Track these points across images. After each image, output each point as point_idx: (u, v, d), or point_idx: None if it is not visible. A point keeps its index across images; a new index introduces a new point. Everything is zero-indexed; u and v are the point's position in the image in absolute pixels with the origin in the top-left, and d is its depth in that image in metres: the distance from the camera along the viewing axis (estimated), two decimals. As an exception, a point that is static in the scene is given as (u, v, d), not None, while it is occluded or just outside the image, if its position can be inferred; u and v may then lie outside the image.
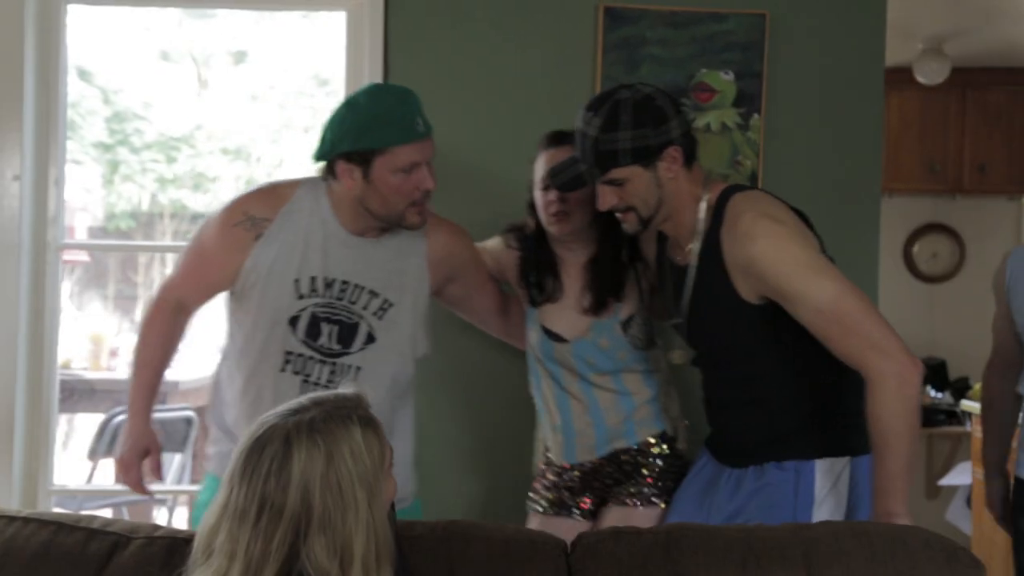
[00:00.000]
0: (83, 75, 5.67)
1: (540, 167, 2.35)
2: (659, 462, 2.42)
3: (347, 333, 2.21)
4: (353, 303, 2.21)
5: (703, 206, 2.11)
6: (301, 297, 2.20)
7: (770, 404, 2.16)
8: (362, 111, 2.15)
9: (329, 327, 2.20)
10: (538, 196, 2.36)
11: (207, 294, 2.31)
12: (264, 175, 6.30)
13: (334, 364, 2.21)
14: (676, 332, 2.29)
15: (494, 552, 1.89)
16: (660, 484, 2.41)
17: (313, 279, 2.20)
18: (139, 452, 2.24)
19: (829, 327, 1.99)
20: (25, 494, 2.88)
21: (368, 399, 1.57)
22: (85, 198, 6.47)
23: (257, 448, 1.47)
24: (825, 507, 2.12)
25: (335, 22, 2.99)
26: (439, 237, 2.32)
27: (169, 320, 2.27)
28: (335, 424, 1.49)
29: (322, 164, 2.23)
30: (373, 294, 2.23)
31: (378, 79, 2.82)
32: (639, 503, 2.40)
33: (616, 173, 2.08)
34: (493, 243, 2.53)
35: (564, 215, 2.31)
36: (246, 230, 2.20)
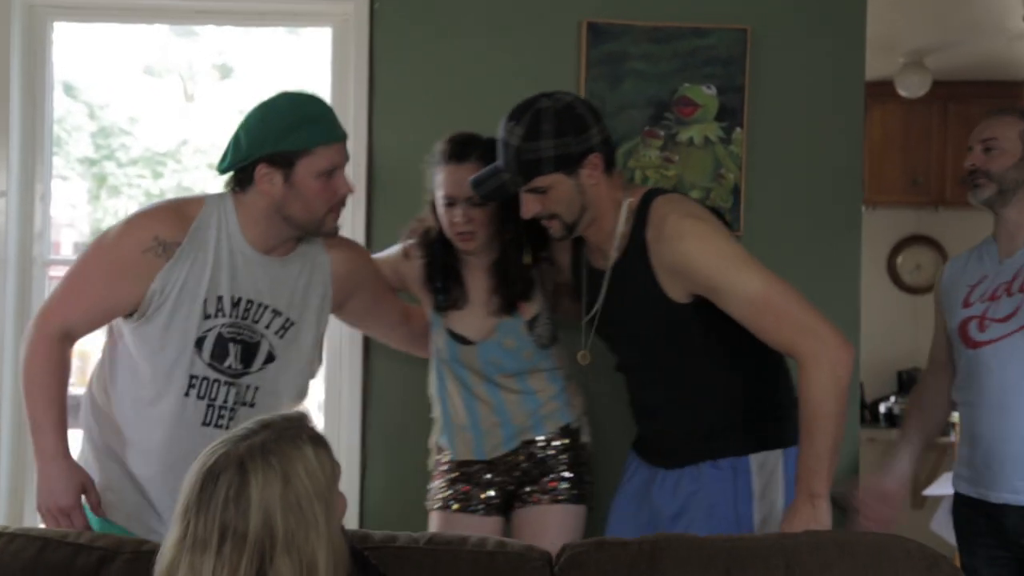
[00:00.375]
0: (69, 91, 5.67)
1: (441, 181, 2.33)
2: (566, 455, 2.45)
3: (249, 352, 2.18)
4: (256, 322, 2.18)
5: (624, 210, 2.15)
6: (208, 317, 2.13)
7: (701, 403, 2.20)
8: (284, 113, 2.12)
9: (235, 347, 2.16)
10: (442, 212, 2.35)
11: (101, 321, 2.17)
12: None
13: (236, 385, 2.18)
14: (597, 337, 2.28)
15: (479, 564, 1.90)
16: (574, 479, 2.44)
17: (220, 298, 2.14)
18: (78, 493, 2.10)
19: (761, 316, 2.03)
20: (11, 510, 2.88)
21: (311, 418, 1.58)
22: (71, 213, 6.45)
23: (211, 478, 1.47)
24: (765, 500, 2.17)
25: (321, 38, 3.00)
26: (341, 253, 2.31)
27: (58, 350, 2.11)
28: (287, 445, 1.49)
29: (229, 176, 2.17)
30: (276, 313, 2.20)
31: (363, 94, 2.84)
32: (554, 500, 2.43)
33: (539, 181, 2.10)
34: (389, 253, 2.53)
35: (470, 234, 2.33)
36: (157, 256, 2.10)
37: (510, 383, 2.44)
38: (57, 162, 5.06)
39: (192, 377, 2.13)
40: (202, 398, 2.15)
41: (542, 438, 2.46)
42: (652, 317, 2.15)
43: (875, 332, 2.14)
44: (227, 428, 2.14)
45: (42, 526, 2.10)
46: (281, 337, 2.21)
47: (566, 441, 2.46)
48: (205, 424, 2.15)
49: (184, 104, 6.12)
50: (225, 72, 6.21)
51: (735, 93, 2.88)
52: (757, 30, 2.88)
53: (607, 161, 2.13)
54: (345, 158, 2.16)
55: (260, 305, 2.18)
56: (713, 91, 2.88)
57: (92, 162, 6.31)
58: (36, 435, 2.12)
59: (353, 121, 2.84)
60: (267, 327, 2.19)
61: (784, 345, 2.05)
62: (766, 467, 2.18)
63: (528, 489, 2.45)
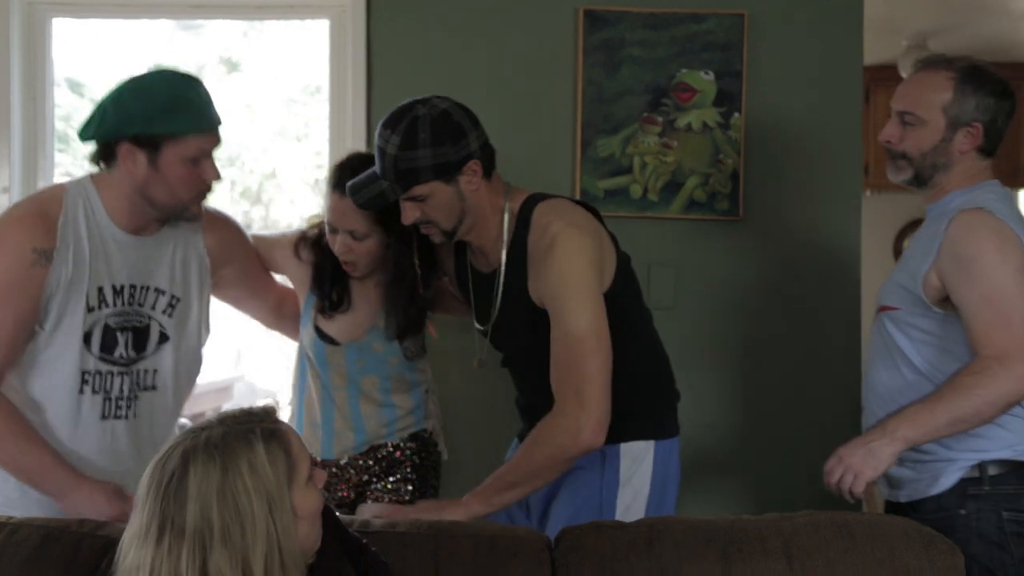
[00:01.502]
0: (75, 88, 5.69)
1: (327, 207, 2.28)
2: (416, 459, 2.44)
3: (140, 337, 2.14)
4: (142, 305, 2.13)
5: (506, 215, 2.14)
6: (91, 310, 2.07)
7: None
8: (156, 94, 2.05)
9: (123, 335, 2.12)
10: (329, 238, 2.31)
11: (17, 351, 2.04)
12: (256, 183, 6.32)
13: (131, 372, 2.14)
14: (481, 336, 2.29)
15: (480, 548, 1.91)
16: (418, 482, 2.43)
17: (101, 289, 2.08)
18: (114, 496, 2.07)
19: (564, 353, 2.01)
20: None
21: (278, 412, 1.58)
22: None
23: (159, 468, 1.48)
24: (629, 488, 2.19)
25: (323, 30, 3.01)
26: (214, 227, 2.27)
27: (3, 404, 2.02)
28: (234, 439, 1.49)
29: (93, 147, 2.10)
30: (160, 292, 2.16)
31: (362, 84, 2.85)
32: (396, 500, 2.40)
33: (417, 190, 2.07)
34: (272, 236, 2.49)
35: (352, 264, 2.30)
36: (42, 267, 2.01)
37: (372, 390, 2.41)
38: (64, 159, 5.08)
39: (84, 372, 2.08)
40: (97, 392, 2.10)
41: (392, 443, 2.44)
42: (526, 319, 2.14)
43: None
44: (127, 418, 2.14)
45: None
46: (170, 316, 2.18)
47: (413, 445, 2.45)
48: (104, 418, 2.12)
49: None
50: (232, 66, 6.22)
51: (733, 78, 2.88)
52: (754, 15, 2.88)
53: (486, 167, 2.11)
54: (216, 145, 2.10)
55: (143, 288, 2.14)
56: (711, 76, 2.88)
57: (99, 158, 6.30)
58: (41, 482, 2.06)
59: (351, 111, 2.86)
60: (154, 308, 2.15)
61: (557, 385, 2.03)
62: (635, 456, 2.20)
63: (376, 486, 2.43)
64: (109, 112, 2.05)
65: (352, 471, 2.43)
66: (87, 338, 2.08)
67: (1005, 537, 2.10)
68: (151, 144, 2.03)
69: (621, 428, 2.15)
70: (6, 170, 2.86)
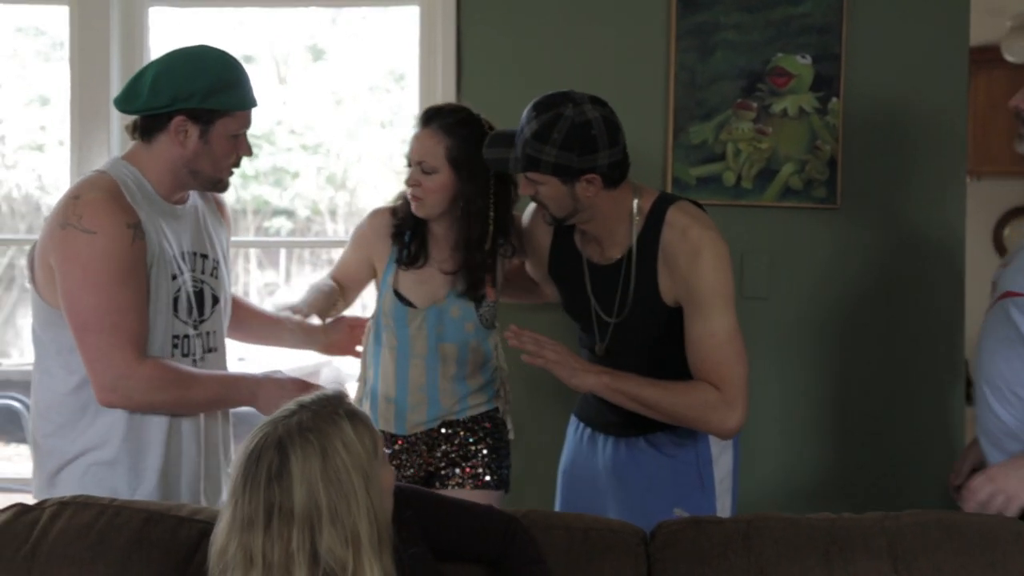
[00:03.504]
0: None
1: (409, 143, 2.37)
2: (489, 440, 2.46)
3: (200, 301, 2.24)
4: (193, 270, 2.23)
5: (635, 213, 2.23)
6: (174, 277, 2.17)
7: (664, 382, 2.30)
8: (213, 71, 2.13)
9: (193, 299, 2.21)
10: (408, 175, 2.39)
11: (147, 323, 2.12)
12: (342, 170, 6.39)
13: (200, 334, 2.23)
14: (575, 319, 2.40)
15: (574, 540, 1.89)
16: (493, 467, 2.46)
17: (174, 257, 2.17)
18: (296, 378, 2.21)
19: (711, 347, 2.16)
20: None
21: (347, 395, 1.64)
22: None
23: (252, 459, 1.54)
24: (720, 463, 2.34)
25: (410, 17, 3.01)
26: (216, 195, 2.37)
27: (155, 363, 2.10)
28: (323, 421, 1.56)
29: (132, 121, 2.16)
30: (204, 257, 2.26)
31: (451, 72, 2.84)
32: (475, 486, 2.43)
33: (534, 176, 2.17)
34: (356, 238, 2.53)
35: (419, 200, 2.35)
36: (140, 239, 2.08)
37: (450, 360, 2.43)
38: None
39: (175, 338, 2.18)
40: (186, 355, 2.20)
41: (465, 418, 2.46)
42: (648, 312, 2.24)
43: (980, 307, 2.06)
44: None
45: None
46: (216, 278, 2.28)
47: (487, 426, 2.48)
48: None
49: (277, 87, 6.22)
50: (317, 54, 6.29)
51: (831, 62, 2.80)
52: (854, -5, 2.80)
53: (609, 181, 2.18)
54: (250, 123, 2.22)
55: (192, 253, 2.23)
56: (808, 60, 2.80)
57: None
58: (232, 399, 2.20)
59: (442, 99, 2.85)
60: (203, 272, 2.25)
61: (705, 374, 2.16)
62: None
63: (448, 472, 2.45)
64: (164, 85, 2.10)
65: (424, 447, 2.45)
66: (175, 304, 2.17)
67: None
68: (207, 119, 2.12)
69: None
70: (106, 156, 2.91)
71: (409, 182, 2.35)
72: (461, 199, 2.35)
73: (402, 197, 2.44)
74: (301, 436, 1.53)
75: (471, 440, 2.46)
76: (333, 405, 1.59)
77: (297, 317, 2.38)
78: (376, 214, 2.49)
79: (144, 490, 2.16)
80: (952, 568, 1.79)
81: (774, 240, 2.86)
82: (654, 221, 2.21)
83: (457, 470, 2.44)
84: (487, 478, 2.44)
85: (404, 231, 2.43)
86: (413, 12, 2.96)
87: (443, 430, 2.45)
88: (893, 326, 2.87)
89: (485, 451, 2.46)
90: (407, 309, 2.42)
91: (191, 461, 2.22)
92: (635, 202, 2.22)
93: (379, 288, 2.46)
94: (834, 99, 2.80)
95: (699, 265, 2.16)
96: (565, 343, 2.74)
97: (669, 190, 2.82)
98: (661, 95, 2.84)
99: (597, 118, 2.14)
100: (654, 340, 2.28)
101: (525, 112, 2.17)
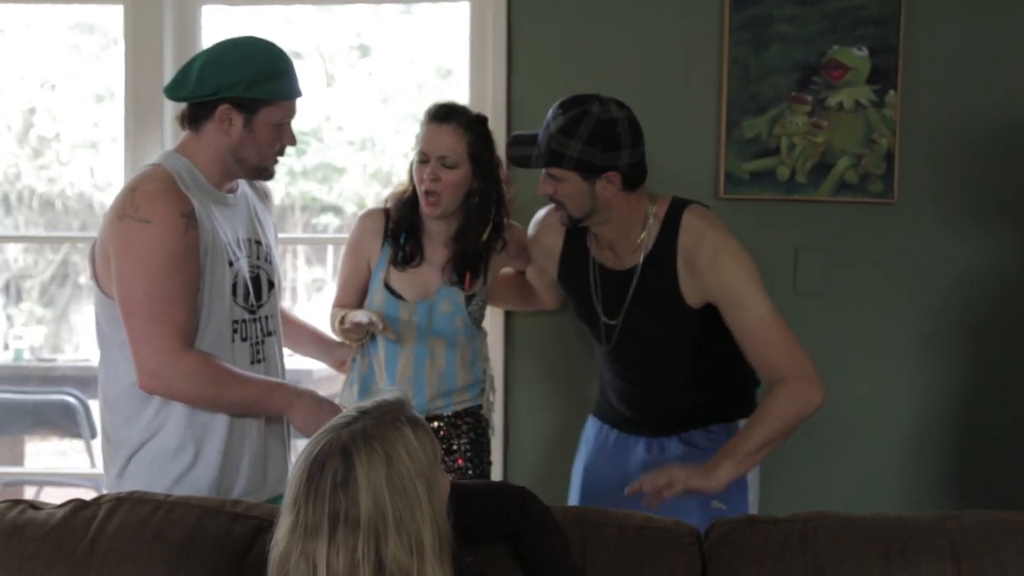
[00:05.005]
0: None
1: (421, 137, 2.41)
2: (471, 435, 2.50)
3: (256, 286, 2.28)
4: (250, 256, 2.27)
5: (651, 219, 2.29)
6: (231, 264, 2.21)
7: (692, 382, 2.40)
8: (261, 61, 2.17)
9: (249, 285, 2.25)
10: (416, 169, 2.42)
11: (195, 312, 2.16)
12: (388, 165, 6.41)
13: (258, 319, 2.27)
14: (586, 325, 2.45)
15: (626, 539, 1.88)
16: (475, 460, 2.51)
17: (228, 244, 2.21)
18: (324, 404, 2.21)
19: (763, 333, 2.22)
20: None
21: (409, 402, 1.63)
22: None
23: (317, 466, 1.51)
24: None
25: (458, 13, 3.00)
26: (262, 185, 2.43)
27: (197, 355, 2.13)
28: (387, 428, 1.54)
29: (181, 110, 2.22)
30: (258, 243, 2.31)
31: (502, 68, 2.83)
32: (458, 477, 2.45)
33: (556, 171, 2.23)
34: (353, 239, 2.55)
35: (436, 195, 2.38)
36: (194, 228, 2.12)
37: (438, 353, 2.47)
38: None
39: (234, 323, 2.22)
40: (245, 340, 2.24)
41: (449, 413, 2.49)
42: (667, 316, 2.31)
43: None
44: (261, 362, 2.27)
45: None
46: (269, 263, 2.33)
47: (470, 420, 2.51)
48: (252, 363, 2.25)
49: (324, 84, 6.26)
50: (364, 51, 6.32)
51: (888, 54, 2.75)
52: (913, -14, 2.74)
53: (629, 182, 2.23)
54: (296, 113, 2.25)
55: (248, 240, 2.28)
56: (864, 53, 2.76)
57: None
58: (268, 406, 2.22)
59: (492, 96, 2.84)
60: (258, 257, 2.30)
61: (769, 362, 2.22)
62: None
63: None
64: (209, 74, 2.15)
65: None
66: (233, 290, 2.21)
67: None
68: (251, 107, 2.16)
69: (736, 406, 2.42)
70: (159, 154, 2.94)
71: (429, 176, 2.37)
72: (473, 196, 2.41)
73: (395, 198, 2.49)
74: (366, 443, 1.51)
75: (453, 435, 2.50)
76: (395, 412, 1.57)
77: (380, 325, 2.39)
78: (370, 215, 2.53)
79: (205, 474, 2.20)
80: (1017, 570, 1.75)
81: (829, 236, 2.82)
82: (670, 225, 2.28)
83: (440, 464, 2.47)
84: (469, 472, 2.49)
85: (400, 232, 2.47)
86: (463, 8, 2.95)
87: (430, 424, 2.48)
88: (953, 325, 2.81)
89: (468, 445, 2.50)
90: (398, 302, 2.47)
91: (252, 443, 2.25)
92: (650, 208, 2.29)
93: (370, 284, 2.50)
94: (891, 92, 2.75)
95: (722, 263, 2.23)
96: (572, 347, 2.85)
97: (722, 185, 2.79)
98: (714, 89, 2.80)
99: (622, 118, 2.21)
100: (665, 340, 2.35)
101: (551, 110, 2.24)
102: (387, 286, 2.48)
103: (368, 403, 1.60)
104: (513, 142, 2.31)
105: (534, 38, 2.85)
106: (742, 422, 2.36)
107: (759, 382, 2.44)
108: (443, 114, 2.39)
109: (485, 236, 2.43)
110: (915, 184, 2.78)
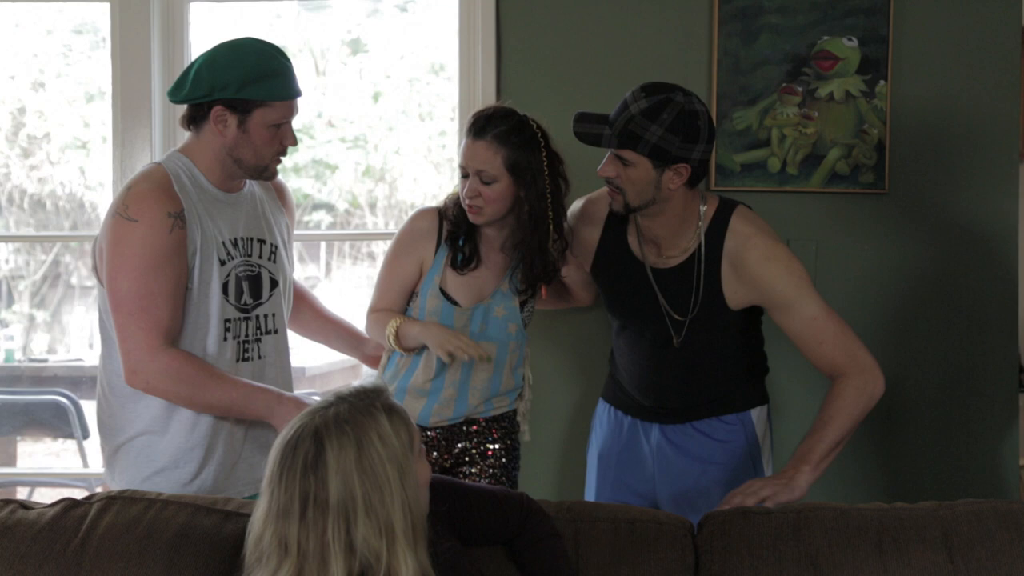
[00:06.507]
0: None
1: (461, 151, 2.35)
2: (507, 441, 2.48)
3: (255, 285, 2.29)
4: (249, 255, 2.28)
5: (702, 216, 2.30)
6: (223, 263, 2.22)
7: (718, 374, 2.42)
8: (249, 62, 2.17)
9: (245, 284, 2.27)
10: (460, 184, 2.36)
11: (180, 311, 2.19)
12: (380, 162, 6.40)
13: (252, 317, 2.28)
14: (614, 315, 2.47)
15: (620, 532, 1.88)
16: (508, 467, 2.48)
17: (224, 244, 2.23)
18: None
19: (820, 332, 2.24)
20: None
21: (387, 390, 1.65)
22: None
23: (289, 449, 1.56)
24: (766, 446, 2.45)
25: (449, 8, 2.99)
26: (278, 183, 2.44)
27: (179, 354, 2.15)
28: (360, 414, 1.57)
29: (184, 111, 2.24)
30: (262, 242, 2.31)
31: (491, 62, 2.82)
32: (493, 482, 2.43)
33: (628, 154, 2.19)
34: (404, 234, 2.47)
35: (477, 208, 2.32)
36: (181, 228, 2.15)
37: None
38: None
39: (225, 321, 2.24)
40: (236, 339, 2.26)
41: (486, 417, 2.46)
42: (707, 313, 2.32)
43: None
44: (252, 360, 2.28)
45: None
46: (274, 262, 2.34)
47: (505, 425, 2.48)
48: (238, 361, 2.27)
49: (315, 80, 6.24)
50: (355, 47, 6.30)
51: (879, 44, 2.74)
52: (902, -24, 2.74)
53: (694, 177, 2.24)
54: (295, 113, 2.26)
55: (249, 239, 2.29)
56: (854, 43, 2.75)
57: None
58: (248, 409, 2.21)
59: (481, 90, 2.83)
60: (260, 256, 2.30)
61: (827, 360, 2.24)
62: (760, 419, 2.44)
63: (464, 471, 2.45)
64: (204, 76, 2.17)
65: (443, 441, 2.45)
66: (224, 289, 2.23)
67: None
68: (243, 108, 2.18)
69: (749, 395, 2.44)
70: (147, 154, 2.93)
71: (469, 193, 2.32)
72: (521, 204, 2.32)
73: (452, 200, 2.42)
74: (337, 427, 1.55)
75: (488, 439, 2.46)
76: (371, 398, 1.61)
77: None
78: (423, 215, 2.44)
79: (191, 465, 2.23)
80: (1009, 557, 1.76)
81: (821, 226, 2.81)
82: (718, 227, 2.28)
83: (474, 469, 2.45)
84: (503, 479, 2.46)
85: (458, 235, 2.40)
86: (452, 3, 2.94)
87: (464, 427, 2.45)
88: (944, 315, 2.81)
89: (502, 452, 2.47)
90: (453, 308, 2.40)
91: (232, 445, 2.27)
92: (702, 209, 2.30)
93: (421, 288, 2.43)
94: (882, 82, 2.75)
95: (772, 270, 2.24)
96: (592, 343, 2.82)
97: (713, 177, 2.79)
98: (704, 81, 2.80)
99: (704, 112, 2.21)
100: (712, 338, 2.36)
101: (630, 93, 2.21)
102: (443, 291, 2.41)
103: (346, 389, 1.63)
104: (580, 118, 2.26)
105: (524, 32, 2.84)
106: (754, 412, 2.42)
107: (768, 370, 2.50)
108: (479, 128, 2.31)
109: (550, 242, 2.35)
110: (906, 175, 2.78)
